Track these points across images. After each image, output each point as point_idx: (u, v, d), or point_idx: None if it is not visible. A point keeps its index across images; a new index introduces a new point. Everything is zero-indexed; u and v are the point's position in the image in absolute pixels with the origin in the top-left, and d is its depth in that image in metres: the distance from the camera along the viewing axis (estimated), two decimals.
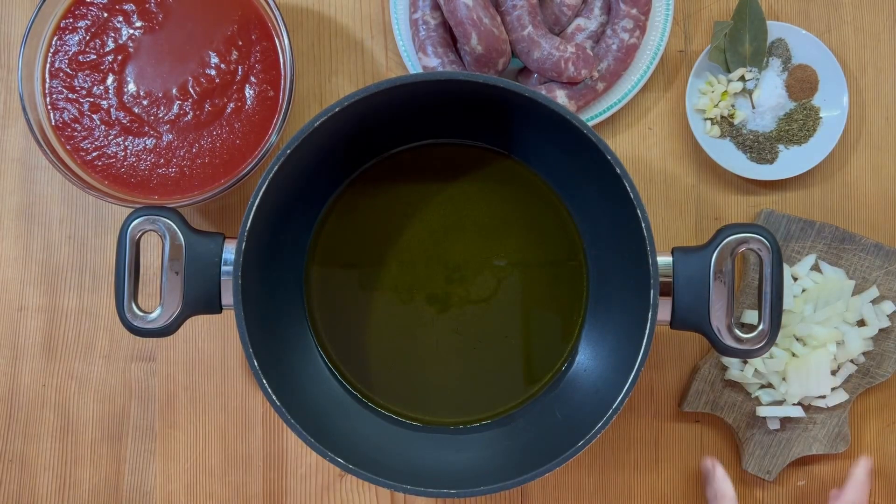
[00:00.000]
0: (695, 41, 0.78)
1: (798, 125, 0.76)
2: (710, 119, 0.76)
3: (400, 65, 0.78)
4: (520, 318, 0.73)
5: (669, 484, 0.77)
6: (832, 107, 0.76)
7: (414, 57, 0.75)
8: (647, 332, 0.60)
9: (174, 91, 0.71)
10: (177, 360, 0.77)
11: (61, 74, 0.71)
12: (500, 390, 0.73)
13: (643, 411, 0.77)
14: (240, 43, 0.71)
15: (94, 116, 0.71)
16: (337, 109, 0.60)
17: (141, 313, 0.64)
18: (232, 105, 0.71)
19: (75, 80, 0.71)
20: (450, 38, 0.75)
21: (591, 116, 0.76)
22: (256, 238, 0.62)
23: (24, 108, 0.69)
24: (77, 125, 0.71)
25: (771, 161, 0.76)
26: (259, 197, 0.61)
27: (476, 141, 0.74)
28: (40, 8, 0.69)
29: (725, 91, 0.76)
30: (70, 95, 0.71)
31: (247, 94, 0.71)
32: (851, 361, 0.75)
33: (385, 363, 0.73)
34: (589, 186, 0.68)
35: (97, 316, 0.78)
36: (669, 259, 0.62)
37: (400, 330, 0.74)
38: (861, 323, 0.75)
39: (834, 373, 0.74)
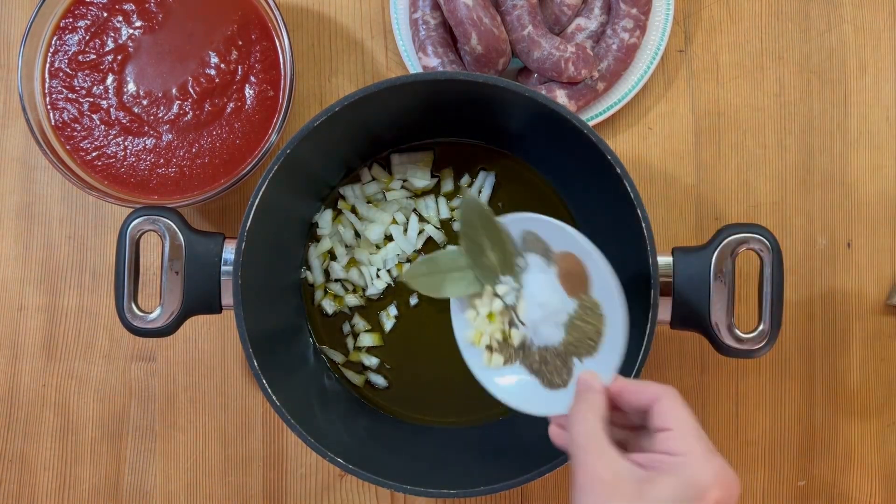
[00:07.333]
0: (695, 41, 0.78)
1: (591, 328, 0.56)
2: (488, 347, 0.60)
3: (400, 65, 0.78)
4: None
5: None
6: (607, 297, 0.55)
7: (414, 57, 0.75)
8: (647, 332, 0.60)
9: (174, 91, 0.71)
10: (177, 360, 0.77)
11: (61, 74, 0.71)
12: None
13: None
14: (240, 43, 0.71)
15: (94, 116, 0.71)
16: (337, 109, 0.60)
17: (141, 313, 0.64)
18: (232, 105, 0.71)
19: (75, 80, 0.71)
20: (450, 38, 0.75)
21: (591, 116, 0.76)
22: (256, 238, 0.62)
23: (23, 108, 0.69)
24: (77, 125, 0.71)
25: (564, 384, 0.56)
26: (259, 197, 0.61)
27: (476, 140, 0.74)
28: (40, 8, 0.69)
29: (490, 312, 0.60)
30: (70, 95, 0.71)
31: (247, 94, 0.71)
32: None
33: (385, 363, 0.74)
34: (589, 186, 0.68)
35: (97, 316, 0.78)
36: (669, 259, 0.62)
37: (400, 329, 0.74)
38: None
39: None
